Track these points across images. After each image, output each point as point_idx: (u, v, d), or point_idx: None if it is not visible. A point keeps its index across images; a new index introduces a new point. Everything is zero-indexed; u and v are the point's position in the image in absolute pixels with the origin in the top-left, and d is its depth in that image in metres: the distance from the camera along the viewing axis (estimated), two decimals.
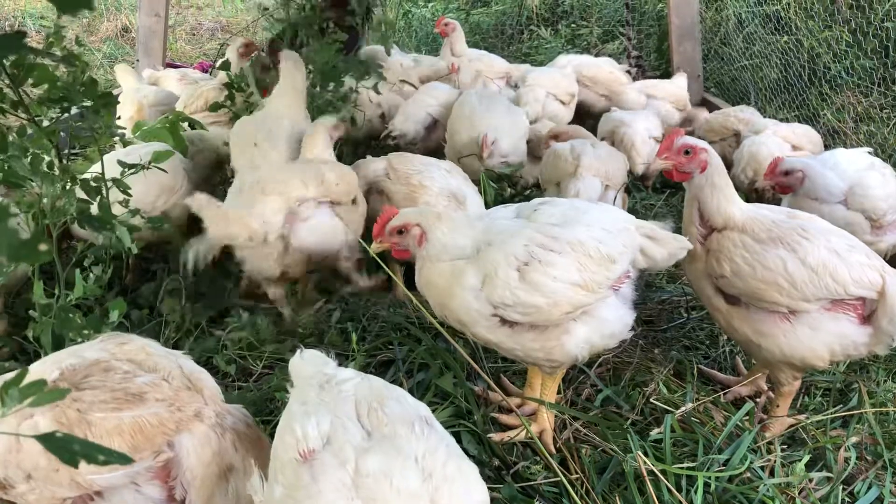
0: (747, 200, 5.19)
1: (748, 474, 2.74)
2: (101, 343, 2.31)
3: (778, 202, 5.28)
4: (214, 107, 5.28)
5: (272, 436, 2.97)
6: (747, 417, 3.03)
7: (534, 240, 2.73)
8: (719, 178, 3.10)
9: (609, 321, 2.85)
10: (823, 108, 6.64)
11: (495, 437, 3.00)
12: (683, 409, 3.09)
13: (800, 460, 2.77)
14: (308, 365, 2.31)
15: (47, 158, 3.12)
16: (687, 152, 3.11)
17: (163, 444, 2.09)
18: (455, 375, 3.24)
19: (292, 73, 4.64)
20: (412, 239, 2.88)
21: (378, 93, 5.61)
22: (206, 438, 2.15)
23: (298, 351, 2.40)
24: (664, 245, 2.94)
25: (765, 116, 6.17)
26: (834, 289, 2.82)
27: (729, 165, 5.66)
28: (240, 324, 3.79)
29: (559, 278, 2.69)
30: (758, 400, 3.25)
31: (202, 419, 2.18)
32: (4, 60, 2.98)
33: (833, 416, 3.14)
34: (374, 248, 2.99)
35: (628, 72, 7.36)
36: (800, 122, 6.30)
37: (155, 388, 2.15)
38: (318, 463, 1.87)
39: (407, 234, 2.88)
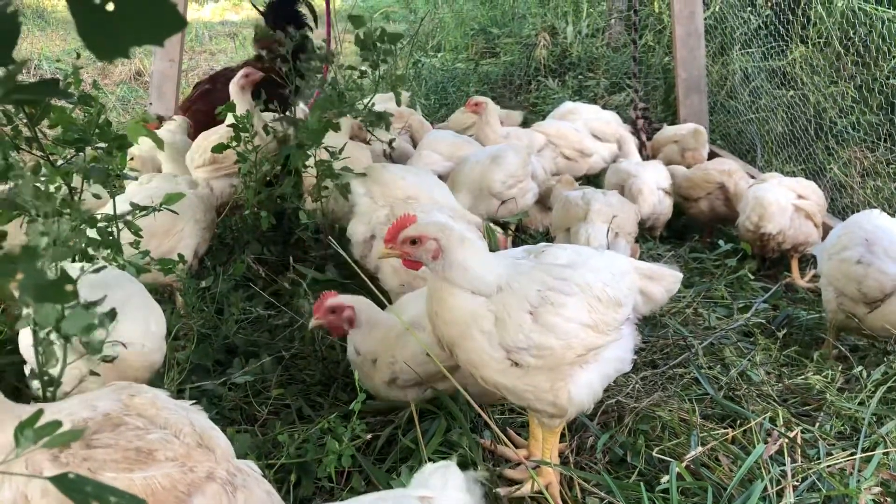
0: (752, 247, 5.24)
1: None
2: (112, 392, 2.20)
3: (783, 258, 5.30)
4: (219, 148, 4.94)
5: (278, 481, 2.95)
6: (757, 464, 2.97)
7: (545, 283, 2.74)
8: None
9: (610, 361, 2.89)
10: (830, 162, 6.67)
11: (502, 490, 2.96)
12: (689, 456, 3.06)
13: None
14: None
15: (59, 198, 3.13)
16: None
17: None
18: (461, 426, 3.21)
19: None
20: (426, 253, 2.69)
21: (392, 148, 5.54)
22: (216, 499, 2.04)
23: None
24: (661, 282, 3.01)
25: (771, 170, 6.22)
26: None
27: (721, 218, 5.71)
28: (244, 369, 3.77)
29: (572, 319, 2.70)
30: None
31: (214, 479, 2.07)
32: None
33: (848, 459, 3.04)
34: (383, 253, 2.82)
35: (634, 122, 7.43)
36: (806, 176, 6.33)
37: (165, 445, 2.03)
38: None
39: (421, 246, 2.71)
